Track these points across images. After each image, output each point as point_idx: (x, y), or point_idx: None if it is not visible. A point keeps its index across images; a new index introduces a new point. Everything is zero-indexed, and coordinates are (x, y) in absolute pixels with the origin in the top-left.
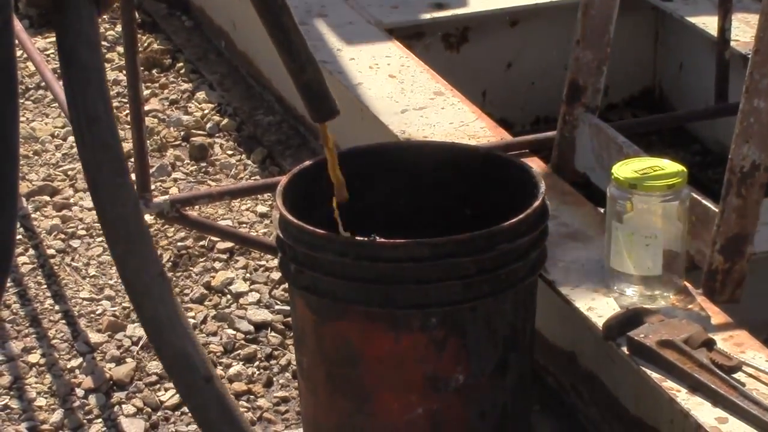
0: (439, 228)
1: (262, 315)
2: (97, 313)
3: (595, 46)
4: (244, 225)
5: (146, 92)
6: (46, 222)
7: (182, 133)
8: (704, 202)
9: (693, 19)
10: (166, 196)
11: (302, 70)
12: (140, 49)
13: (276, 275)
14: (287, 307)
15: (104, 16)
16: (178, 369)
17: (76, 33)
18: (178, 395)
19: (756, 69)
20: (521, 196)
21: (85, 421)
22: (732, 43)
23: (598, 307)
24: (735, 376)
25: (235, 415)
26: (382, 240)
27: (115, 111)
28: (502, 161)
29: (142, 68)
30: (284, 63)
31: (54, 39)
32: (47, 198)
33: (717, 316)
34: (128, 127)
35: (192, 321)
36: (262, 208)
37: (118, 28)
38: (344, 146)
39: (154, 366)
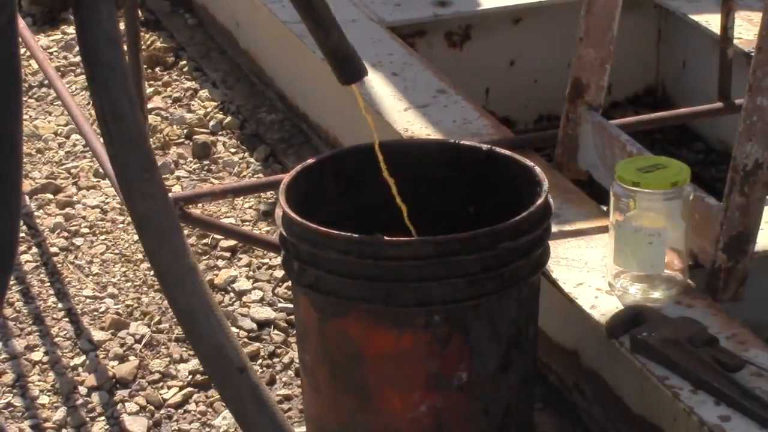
0: (442, 226)
1: (265, 313)
2: (100, 311)
3: (598, 43)
4: (247, 223)
5: (149, 90)
6: (49, 220)
7: (185, 131)
8: (707, 200)
9: (696, 17)
10: (169, 194)
11: (327, 35)
12: (143, 47)
13: (279, 273)
14: (290, 305)
15: None
16: (213, 360)
17: (97, 30)
18: (181, 393)
19: (759, 67)
20: (524, 195)
21: (87, 419)
22: (735, 41)
23: (601, 306)
24: (738, 374)
25: (270, 405)
26: (386, 238)
27: None
28: (505, 159)
29: (144, 66)
30: (309, 29)
31: (57, 37)
32: (50, 196)
33: (720, 314)
34: None
35: None
36: (264, 206)
37: (121, 25)
38: (347, 144)
39: (157, 364)
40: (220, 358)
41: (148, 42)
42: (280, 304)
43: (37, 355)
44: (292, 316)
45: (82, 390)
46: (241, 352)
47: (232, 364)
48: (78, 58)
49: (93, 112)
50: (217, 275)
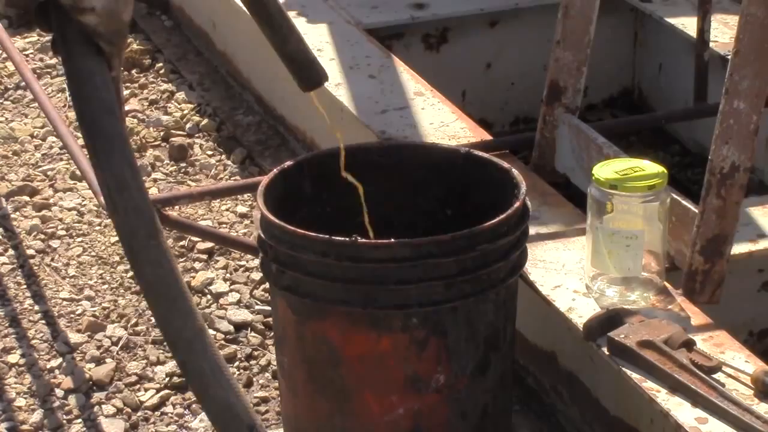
0: (420, 228)
1: (242, 315)
2: (77, 313)
3: (575, 47)
4: (224, 225)
5: (126, 92)
6: (25, 222)
7: (162, 133)
8: (684, 202)
9: (672, 20)
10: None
11: (285, 42)
12: None
13: (256, 275)
14: (267, 308)
15: None
16: (224, 420)
17: (93, 101)
18: (158, 395)
19: (736, 70)
20: (502, 197)
21: (64, 421)
22: (711, 44)
23: (579, 308)
24: (715, 376)
25: None
26: (364, 240)
27: None
28: (483, 162)
29: (121, 68)
30: (266, 36)
31: (34, 39)
32: (27, 198)
33: (697, 316)
34: None
35: None
36: (241, 209)
37: None
38: (324, 146)
39: (134, 366)
40: (230, 417)
41: None
42: (257, 307)
43: (14, 358)
44: (269, 319)
45: (59, 392)
46: (250, 409)
47: (242, 423)
48: (54, 60)
49: (69, 114)
50: (194, 277)
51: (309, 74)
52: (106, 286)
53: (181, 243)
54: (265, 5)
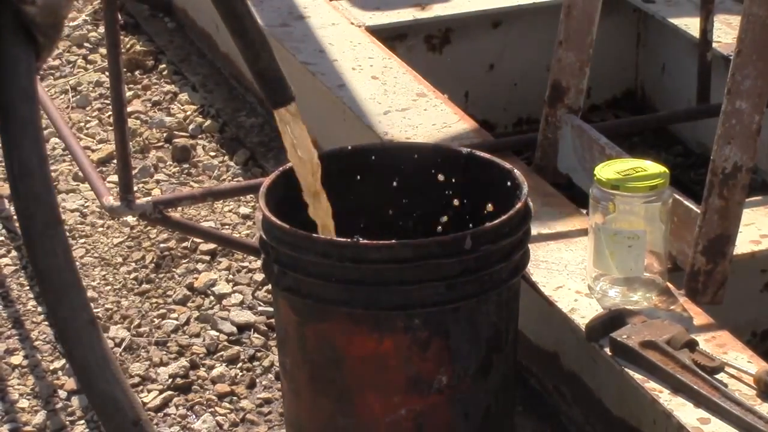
0: (422, 229)
1: (245, 316)
2: None
3: (577, 47)
4: (227, 226)
5: (128, 94)
6: None
7: (165, 134)
8: (686, 203)
9: (675, 21)
10: (149, 198)
11: (257, 58)
12: (122, 50)
13: (259, 277)
14: (270, 309)
15: (86, 17)
16: (108, 413)
17: (14, 87)
18: (161, 396)
19: (738, 70)
20: (504, 198)
21: (67, 422)
22: (714, 45)
23: (581, 308)
24: (717, 377)
25: None
26: (365, 241)
27: (98, 113)
28: (485, 162)
29: (124, 70)
30: (239, 50)
31: None
32: None
33: (699, 317)
34: (111, 128)
35: (175, 322)
36: (244, 210)
37: (101, 29)
38: (327, 148)
39: (137, 367)
40: (114, 410)
41: (128, 45)
42: (260, 308)
43: (17, 359)
44: (272, 320)
45: (62, 394)
46: (136, 405)
47: (127, 417)
48: (57, 62)
49: (72, 116)
50: (196, 278)
51: (277, 93)
52: (108, 287)
53: (184, 244)
54: (240, 20)
